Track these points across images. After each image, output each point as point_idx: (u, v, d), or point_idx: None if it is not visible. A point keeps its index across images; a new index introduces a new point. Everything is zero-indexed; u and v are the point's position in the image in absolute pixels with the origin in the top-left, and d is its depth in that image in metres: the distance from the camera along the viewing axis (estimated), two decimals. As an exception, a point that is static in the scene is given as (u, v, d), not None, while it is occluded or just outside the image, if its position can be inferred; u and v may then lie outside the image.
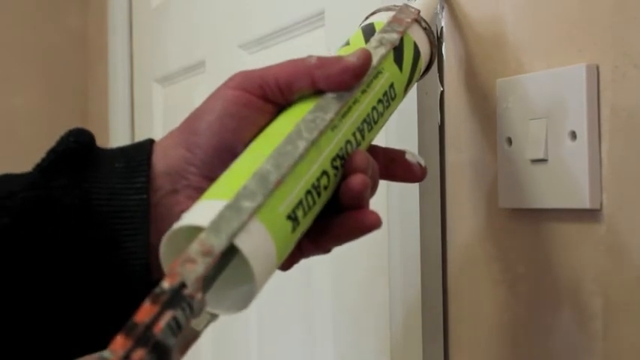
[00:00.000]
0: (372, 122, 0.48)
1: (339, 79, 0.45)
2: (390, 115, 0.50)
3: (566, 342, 0.52)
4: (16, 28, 1.58)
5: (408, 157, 0.50)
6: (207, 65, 1.09)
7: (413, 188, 0.63)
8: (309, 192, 0.42)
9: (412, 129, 0.63)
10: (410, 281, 0.64)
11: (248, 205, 0.38)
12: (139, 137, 1.39)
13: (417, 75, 0.53)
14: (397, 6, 0.54)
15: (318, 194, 0.43)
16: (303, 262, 0.48)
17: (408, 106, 0.64)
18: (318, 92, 0.46)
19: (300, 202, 0.41)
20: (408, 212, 0.64)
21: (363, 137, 0.47)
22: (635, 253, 0.47)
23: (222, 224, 0.37)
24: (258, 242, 0.38)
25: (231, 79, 0.47)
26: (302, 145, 0.42)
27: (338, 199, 0.45)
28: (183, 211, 0.44)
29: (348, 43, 0.52)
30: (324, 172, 0.43)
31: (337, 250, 0.48)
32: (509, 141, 0.55)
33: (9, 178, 0.46)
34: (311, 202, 0.42)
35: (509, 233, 0.56)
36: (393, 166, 0.50)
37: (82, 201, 0.44)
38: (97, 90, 1.56)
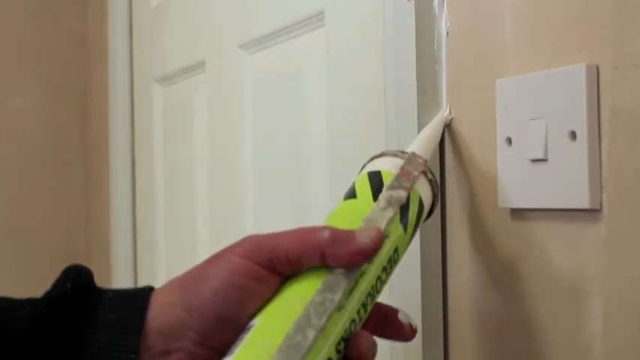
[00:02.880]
0: (375, 293, 0.47)
1: (350, 260, 0.45)
2: (390, 278, 0.49)
3: (566, 342, 0.52)
4: (16, 28, 1.58)
5: (400, 317, 0.50)
6: (207, 65, 1.09)
7: (413, 188, 0.63)
8: None
9: (412, 128, 0.63)
10: (410, 281, 0.64)
11: None
12: (139, 137, 1.38)
13: (417, 229, 0.52)
14: (405, 153, 0.53)
15: None
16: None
17: (408, 106, 0.64)
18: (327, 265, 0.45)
19: None
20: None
21: (366, 311, 0.46)
22: (635, 253, 0.47)
23: None
24: None
25: (239, 245, 0.46)
26: (311, 334, 0.42)
27: None
28: None
29: (354, 195, 0.50)
30: None
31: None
32: (509, 141, 0.55)
33: (2, 310, 0.46)
34: None
35: (509, 233, 0.56)
36: (384, 324, 0.50)
37: (72, 354, 0.44)
38: (97, 90, 1.56)
